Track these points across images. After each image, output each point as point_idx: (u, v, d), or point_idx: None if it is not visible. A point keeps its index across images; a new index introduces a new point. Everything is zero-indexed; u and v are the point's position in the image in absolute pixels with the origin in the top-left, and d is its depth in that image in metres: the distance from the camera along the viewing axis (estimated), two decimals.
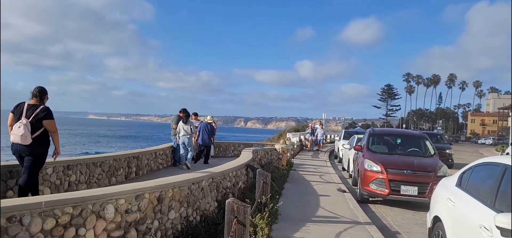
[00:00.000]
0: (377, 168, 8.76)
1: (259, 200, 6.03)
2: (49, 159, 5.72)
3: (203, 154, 13.58)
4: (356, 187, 11.28)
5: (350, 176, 13.42)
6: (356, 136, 15.57)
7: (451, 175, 5.45)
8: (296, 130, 37.98)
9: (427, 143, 10.03)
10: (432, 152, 9.63)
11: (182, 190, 5.30)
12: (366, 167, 8.98)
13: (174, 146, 12.44)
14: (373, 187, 8.68)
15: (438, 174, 8.42)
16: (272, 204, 6.19)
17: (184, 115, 11.81)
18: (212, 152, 15.93)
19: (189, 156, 11.45)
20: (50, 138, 5.39)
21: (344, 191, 9.74)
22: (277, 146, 14.10)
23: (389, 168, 8.64)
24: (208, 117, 14.32)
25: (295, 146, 21.38)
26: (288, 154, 15.91)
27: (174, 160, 12.48)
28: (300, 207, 7.57)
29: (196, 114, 15.18)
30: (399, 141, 10.39)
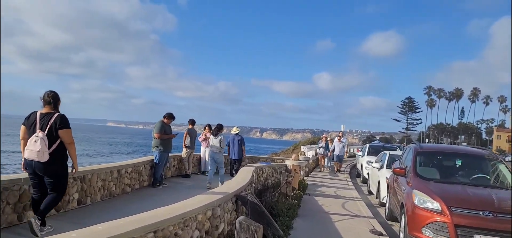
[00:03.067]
0: (434, 205, 5.75)
1: None
2: None
3: (234, 168, 12.12)
4: (393, 224, 8.28)
5: (381, 204, 10.41)
6: (387, 152, 12.48)
7: None
8: (311, 142, 34.91)
9: (502, 167, 6.96)
10: None
11: None
12: (416, 202, 5.98)
13: (155, 161, 9.66)
14: (428, 233, 5.67)
15: None
16: None
17: (216, 127, 10.82)
18: (208, 167, 13.14)
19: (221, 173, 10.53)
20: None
21: (381, 234, 6.75)
22: (288, 163, 11.17)
23: (454, 207, 5.62)
24: (234, 129, 12.66)
25: (311, 161, 18.37)
26: (302, 172, 12.95)
27: (154, 179, 9.67)
28: None
29: (209, 125, 12.92)
30: (459, 163, 7.31)
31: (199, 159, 13.35)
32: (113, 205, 7.07)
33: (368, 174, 14.32)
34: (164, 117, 9.95)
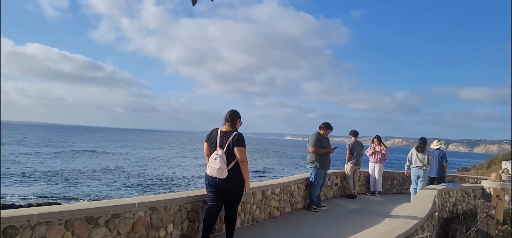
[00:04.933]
0: None
1: None
2: None
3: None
4: None
5: None
6: None
7: None
8: None
9: None
10: None
11: None
12: None
13: (310, 179, 8.30)
14: None
15: None
16: None
17: (420, 142, 9.62)
18: (379, 187, 11.19)
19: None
20: None
21: None
22: (485, 185, 8.37)
23: None
24: (435, 142, 11.09)
25: None
26: (507, 198, 9.77)
27: (310, 201, 8.29)
28: None
29: (379, 137, 11.31)
30: None
31: (367, 177, 11.47)
32: (253, 234, 5.93)
33: None
34: (320, 128, 8.51)
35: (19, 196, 21.71)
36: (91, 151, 58.48)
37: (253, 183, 6.62)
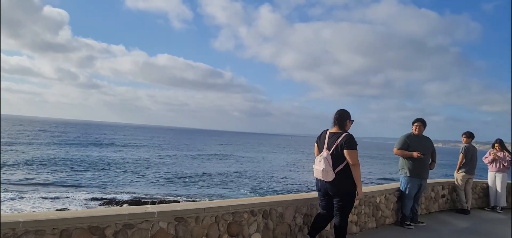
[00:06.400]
0: None
1: None
2: None
3: None
4: None
5: None
6: None
7: None
8: None
9: None
10: None
11: None
12: None
13: (401, 188, 6.94)
14: None
15: None
16: None
17: None
18: (501, 202, 9.19)
19: None
20: None
21: None
22: None
23: None
24: None
25: None
26: None
27: (402, 215, 6.90)
28: None
29: (501, 142, 9.20)
30: None
31: (485, 189, 9.46)
32: None
33: None
34: (414, 122, 6.98)
35: (146, 194, 23.03)
36: (215, 153, 61.45)
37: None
